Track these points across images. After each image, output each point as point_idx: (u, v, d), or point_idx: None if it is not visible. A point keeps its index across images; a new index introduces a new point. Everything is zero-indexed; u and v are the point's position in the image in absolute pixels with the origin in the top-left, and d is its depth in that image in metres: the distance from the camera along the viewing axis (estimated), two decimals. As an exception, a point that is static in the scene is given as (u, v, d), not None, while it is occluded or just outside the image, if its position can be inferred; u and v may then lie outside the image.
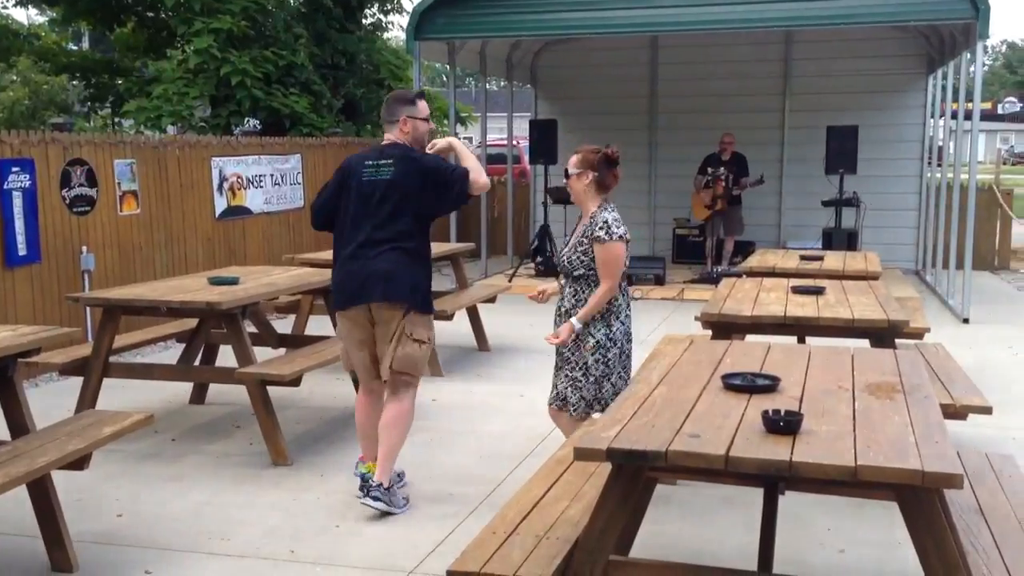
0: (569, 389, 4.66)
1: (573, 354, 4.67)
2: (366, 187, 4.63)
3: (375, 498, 4.61)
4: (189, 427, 6.17)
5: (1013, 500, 3.48)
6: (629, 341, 4.74)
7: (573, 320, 4.62)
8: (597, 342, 4.61)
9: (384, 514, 4.62)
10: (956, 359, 5.84)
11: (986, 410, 4.83)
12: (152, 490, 5.04)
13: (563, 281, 4.80)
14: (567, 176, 4.79)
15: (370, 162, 4.67)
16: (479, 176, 4.64)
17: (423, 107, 4.79)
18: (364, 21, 16.11)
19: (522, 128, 16.01)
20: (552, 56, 14.50)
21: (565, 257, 4.75)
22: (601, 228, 4.58)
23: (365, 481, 4.71)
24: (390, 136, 4.75)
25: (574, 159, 4.76)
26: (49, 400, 6.67)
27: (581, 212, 4.80)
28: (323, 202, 4.85)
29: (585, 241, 4.65)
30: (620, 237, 4.59)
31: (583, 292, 4.66)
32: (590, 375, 4.61)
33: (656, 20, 11.02)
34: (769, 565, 3.72)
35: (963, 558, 2.81)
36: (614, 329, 4.64)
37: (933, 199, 12.14)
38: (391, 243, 4.59)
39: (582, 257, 4.64)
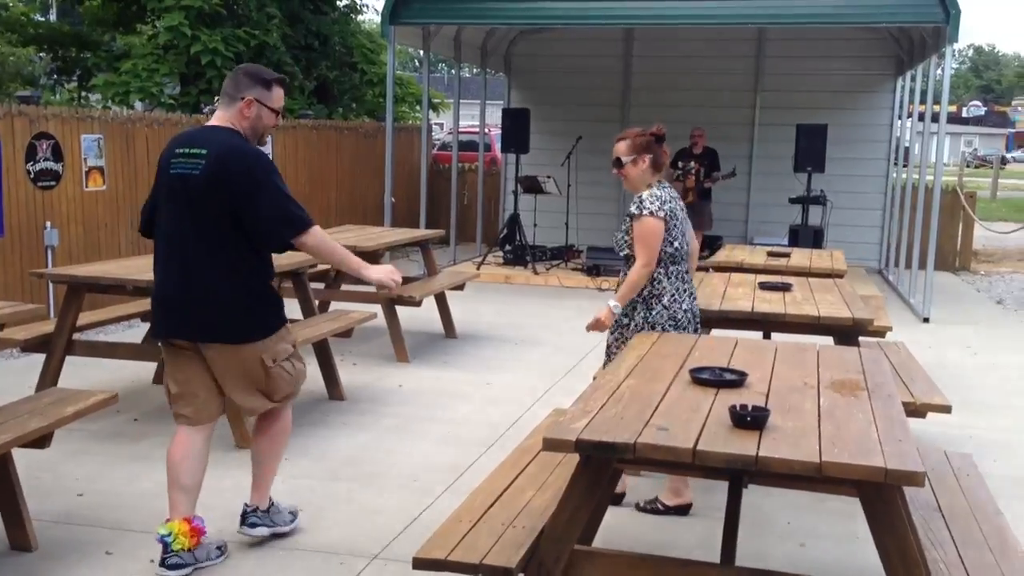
0: None
1: (616, 341, 4.42)
2: (175, 181, 3.73)
3: (252, 524, 4.10)
4: (152, 407, 6.11)
5: (971, 498, 3.55)
6: (679, 327, 4.34)
7: (610, 302, 4.35)
8: (636, 325, 4.36)
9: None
10: (916, 358, 5.92)
11: (945, 409, 4.90)
12: (114, 470, 5.00)
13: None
14: (619, 166, 4.45)
15: (180, 150, 3.75)
16: (323, 245, 3.78)
17: (278, 96, 3.85)
18: (338, 3, 16.00)
19: (494, 116, 16.00)
20: (527, 45, 14.49)
21: (615, 241, 4.51)
22: (634, 204, 4.37)
23: (167, 549, 3.79)
24: (222, 115, 3.80)
25: (623, 146, 4.45)
26: (9, 377, 6.59)
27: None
28: (147, 201, 4.01)
29: (626, 219, 4.41)
30: (651, 213, 4.29)
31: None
32: None
33: (631, 13, 11.04)
34: (732, 557, 3.76)
35: (922, 554, 2.86)
36: (655, 312, 4.34)
37: (898, 199, 12.29)
38: (207, 256, 3.71)
39: (625, 236, 4.42)
